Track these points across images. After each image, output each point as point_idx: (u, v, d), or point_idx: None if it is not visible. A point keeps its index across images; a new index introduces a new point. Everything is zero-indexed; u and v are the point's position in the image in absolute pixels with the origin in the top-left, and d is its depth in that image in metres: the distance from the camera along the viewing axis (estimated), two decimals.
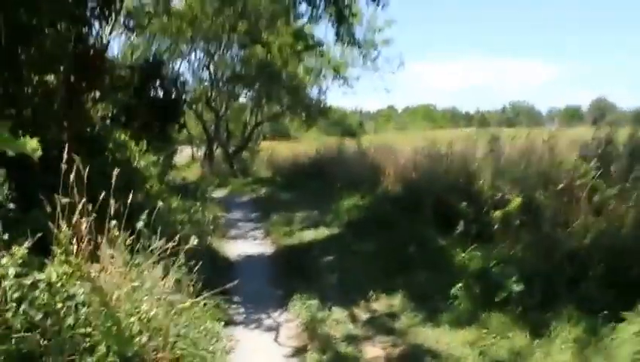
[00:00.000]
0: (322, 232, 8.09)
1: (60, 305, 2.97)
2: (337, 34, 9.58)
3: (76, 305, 3.08)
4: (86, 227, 3.54)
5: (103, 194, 3.66)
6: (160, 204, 4.84)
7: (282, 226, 9.07)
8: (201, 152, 27.08)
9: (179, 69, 20.56)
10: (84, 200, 3.46)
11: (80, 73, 6.77)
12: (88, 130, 6.66)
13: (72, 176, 3.47)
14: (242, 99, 22.81)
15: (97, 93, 7.79)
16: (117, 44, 15.98)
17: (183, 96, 14.71)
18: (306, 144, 24.29)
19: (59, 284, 3.08)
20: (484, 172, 7.40)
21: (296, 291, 5.49)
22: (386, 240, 6.85)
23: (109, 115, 8.01)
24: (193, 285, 4.77)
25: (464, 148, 9.76)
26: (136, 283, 3.48)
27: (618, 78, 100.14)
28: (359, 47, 17.48)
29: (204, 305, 4.85)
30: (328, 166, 15.93)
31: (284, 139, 34.49)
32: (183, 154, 30.95)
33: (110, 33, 12.15)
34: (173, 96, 13.21)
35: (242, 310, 5.31)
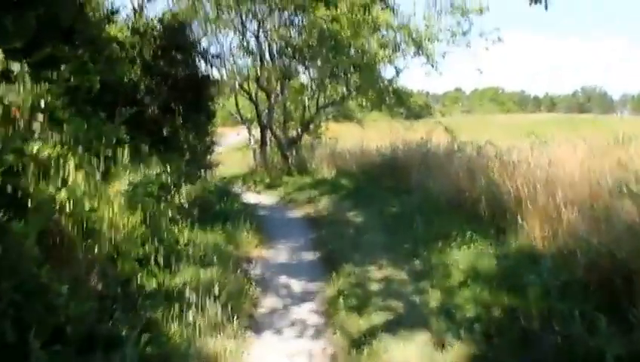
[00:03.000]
0: (434, 357, 4.04)
1: None
2: None
3: None
4: None
5: None
6: None
7: (352, 311, 5.06)
8: (253, 138, 23.57)
9: (229, 42, 16.85)
10: None
11: None
12: None
13: None
14: (303, 78, 18.96)
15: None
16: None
17: (217, 73, 11.09)
18: (372, 129, 20.20)
19: None
20: None
21: None
22: None
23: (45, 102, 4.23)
24: None
25: None
26: None
27: None
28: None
29: None
30: (409, 168, 11.82)
31: (346, 122, 30.32)
32: (240, 137, 27.69)
33: None
34: (202, 74, 9.51)
35: None
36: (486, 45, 14.52)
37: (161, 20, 8.92)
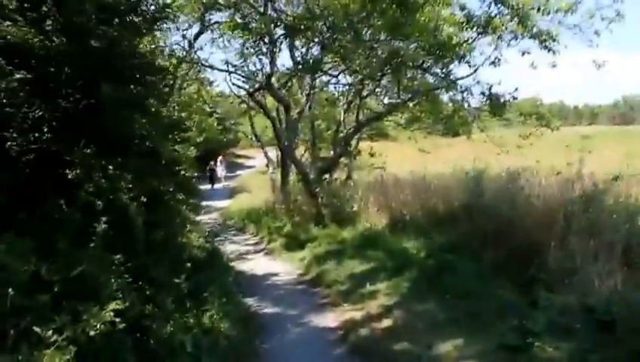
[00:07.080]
0: None
1: None
2: None
3: None
4: None
5: None
6: None
7: None
8: (272, 164, 18.56)
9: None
10: None
11: None
12: None
13: None
14: (333, 87, 13.91)
15: None
16: None
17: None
18: (427, 151, 15.00)
19: None
20: None
21: None
22: None
23: None
24: None
25: None
26: None
27: None
28: None
29: None
30: (537, 231, 6.50)
31: (381, 139, 25.35)
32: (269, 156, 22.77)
33: None
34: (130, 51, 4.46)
35: None
36: (597, 29, 9.14)
37: None
